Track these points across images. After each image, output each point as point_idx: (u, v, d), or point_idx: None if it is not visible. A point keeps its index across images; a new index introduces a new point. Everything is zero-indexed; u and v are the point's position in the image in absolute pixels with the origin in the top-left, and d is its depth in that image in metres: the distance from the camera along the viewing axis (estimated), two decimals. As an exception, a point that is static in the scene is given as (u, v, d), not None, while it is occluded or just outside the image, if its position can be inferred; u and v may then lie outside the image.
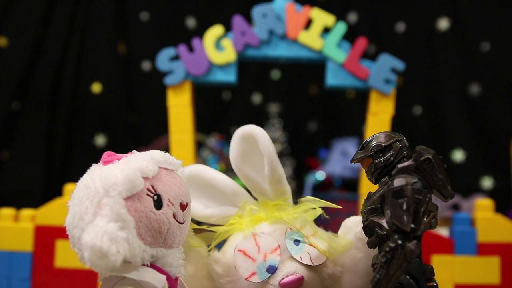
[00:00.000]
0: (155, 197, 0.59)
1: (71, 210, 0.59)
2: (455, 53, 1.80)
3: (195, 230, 0.74)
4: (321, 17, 1.11)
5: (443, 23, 1.81)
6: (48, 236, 1.03)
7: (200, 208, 0.77)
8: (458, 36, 1.80)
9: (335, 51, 1.11)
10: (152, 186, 0.60)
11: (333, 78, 1.12)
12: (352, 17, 1.86)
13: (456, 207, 1.56)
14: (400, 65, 1.10)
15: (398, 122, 1.17)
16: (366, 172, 0.69)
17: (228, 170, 1.31)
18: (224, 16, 1.52)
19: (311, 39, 1.11)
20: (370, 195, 0.66)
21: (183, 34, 1.82)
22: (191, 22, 1.89)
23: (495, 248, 0.99)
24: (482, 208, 1.02)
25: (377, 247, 0.64)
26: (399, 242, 0.57)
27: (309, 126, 1.92)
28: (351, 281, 0.72)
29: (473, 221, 1.02)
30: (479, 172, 1.77)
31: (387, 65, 1.10)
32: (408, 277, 0.61)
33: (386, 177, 0.65)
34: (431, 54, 1.82)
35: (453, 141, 1.79)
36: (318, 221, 0.76)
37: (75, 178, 0.61)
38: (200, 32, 1.20)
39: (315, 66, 1.24)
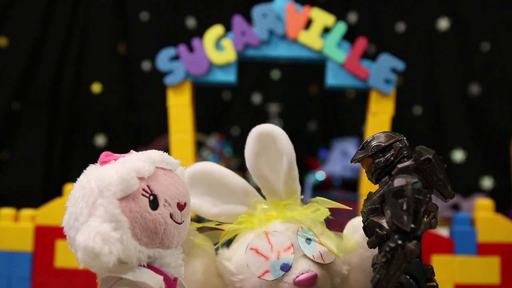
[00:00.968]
0: (151, 197, 0.59)
1: (67, 210, 0.59)
2: (455, 53, 1.80)
3: (201, 229, 0.74)
4: (321, 17, 1.11)
5: (443, 23, 1.81)
6: (48, 236, 1.03)
7: (208, 206, 0.77)
8: (458, 36, 1.80)
9: (335, 51, 1.11)
10: (148, 186, 0.59)
11: (333, 78, 1.12)
12: (352, 17, 1.86)
13: (456, 207, 1.56)
14: (400, 65, 1.10)
15: (398, 122, 1.17)
16: (366, 172, 0.69)
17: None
18: (224, 16, 1.52)
19: (311, 39, 1.11)
20: (370, 195, 0.66)
21: (183, 34, 1.82)
22: (191, 22, 1.89)
23: (495, 248, 0.99)
24: (482, 208, 1.02)
25: (377, 247, 0.65)
26: (399, 242, 0.57)
27: (309, 126, 1.92)
28: (358, 279, 0.73)
29: (473, 221, 1.02)
30: (479, 172, 1.77)
31: (387, 65, 1.10)
32: (408, 277, 0.61)
33: (386, 177, 0.65)
34: (431, 54, 1.82)
35: (453, 141, 1.79)
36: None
37: (75, 178, 0.61)
38: (200, 32, 1.20)
39: (315, 66, 1.24)
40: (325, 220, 0.75)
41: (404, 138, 0.67)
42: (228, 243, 0.77)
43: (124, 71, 1.88)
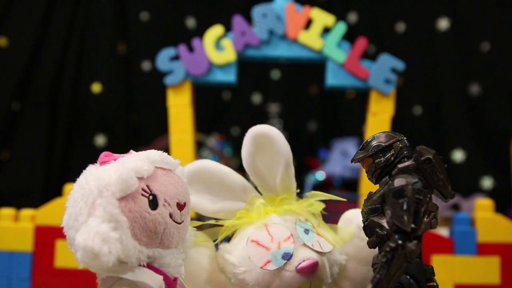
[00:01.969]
0: (150, 197, 0.59)
1: (67, 210, 0.59)
2: (455, 53, 1.80)
3: (200, 227, 0.74)
4: (321, 17, 1.11)
5: (443, 23, 1.80)
6: (48, 236, 1.03)
7: (207, 203, 0.78)
8: (458, 36, 1.80)
9: (335, 51, 1.11)
10: (147, 186, 0.59)
11: (333, 78, 1.12)
12: (352, 17, 1.86)
13: (456, 207, 1.56)
14: (400, 65, 1.10)
15: (398, 122, 1.17)
16: (366, 172, 0.69)
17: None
18: (224, 16, 1.52)
19: (311, 39, 1.11)
20: (370, 195, 0.66)
21: (183, 34, 1.82)
22: (191, 22, 1.89)
23: (495, 248, 0.99)
24: (482, 208, 1.02)
25: (377, 247, 0.65)
26: (400, 242, 0.57)
27: (309, 126, 1.92)
28: (355, 268, 0.76)
29: (473, 221, 1.02)
30: (479, 172, 1.77)
31: (387, 65, 1.10)
32: (408, 277, 0.61)
33: (387, 177, 0.65)
34: (431, 54, 1.82)
35: (453, 141, 1.79)
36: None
37: (75, 178, 0.61)
38: (200, 32, 1.20)
39: (315, 66, 1.24)
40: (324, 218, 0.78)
41: (404, 138, 0.67)
42: (227, 240, 0.78)
43: (124, 71, 1.88)
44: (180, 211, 0.62)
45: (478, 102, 1.79)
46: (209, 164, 0.78)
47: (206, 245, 0.76)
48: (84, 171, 0.61)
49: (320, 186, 1.65)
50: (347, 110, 1.89)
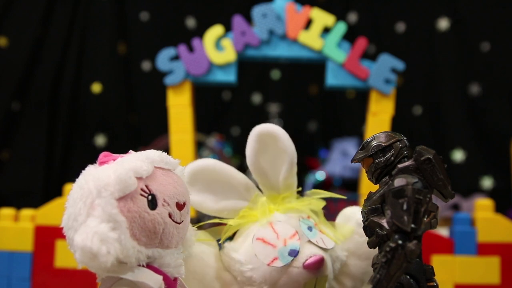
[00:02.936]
0: (149, 197, 0.58)
1: (66, 211, 0.59)
2: (455, 53, 1.80)
3: (200, 227, 0.75)
4: (321, 17, 1.11)
5: (443, 23, 1.80)
6: (48, 236, 1.03)
7: (210, 202, 0.78)
8: (458, 36, 1.80)
9: (335, 51, 1.11)
10: (146, 186, 0.59)
11: (333, 78, 1.12)
12: (352, 17, 1.86)
13: (456, 207, 1.56)
14: (400, 65, 1.10)
15: (398, 122, 1.17)
16: (366, 172, 0.69)
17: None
18: (224, 16, 1.52)
19: (311, 39, 1.11)
20: (370, 195, 0.66)
21: (183, 34, 1.82)
22: (191, 22, 1.89)
23: (495, 248, 0.99)
24: (482, 208, 1.02)
25: (377, 247, 0.64)
26: (400, 242, 0.57)
27: (309, 126, 1.92)
28: (355, 264, 0.77)
29: (473, 221, 1.02)
30: (479, 172, 1.77)
31: (387, 65, 1.10)
32: (408, 277, 0.61)
33: (387, 177, 0.65)
34: (431, 54, 1.82)
35: (453, 141, 1.79)
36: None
37: (75, 178, 0.61)
38: (200, 32, 1.20)
39: (315, 66, 1.24)
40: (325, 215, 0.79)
41: (404, 138, 0.67)
42: (230, 239, 0.78)
43: (124, 71, 1.88)
44: (180, 211, 0.62)
45: (478, 102, 1.79)
46: (212, 163, 0.78)
47: (211, 244, 0.76)
48: (83, 171, 0.61)
49: (320, 186, 1.65)
50: (347, 110, 1.89)
